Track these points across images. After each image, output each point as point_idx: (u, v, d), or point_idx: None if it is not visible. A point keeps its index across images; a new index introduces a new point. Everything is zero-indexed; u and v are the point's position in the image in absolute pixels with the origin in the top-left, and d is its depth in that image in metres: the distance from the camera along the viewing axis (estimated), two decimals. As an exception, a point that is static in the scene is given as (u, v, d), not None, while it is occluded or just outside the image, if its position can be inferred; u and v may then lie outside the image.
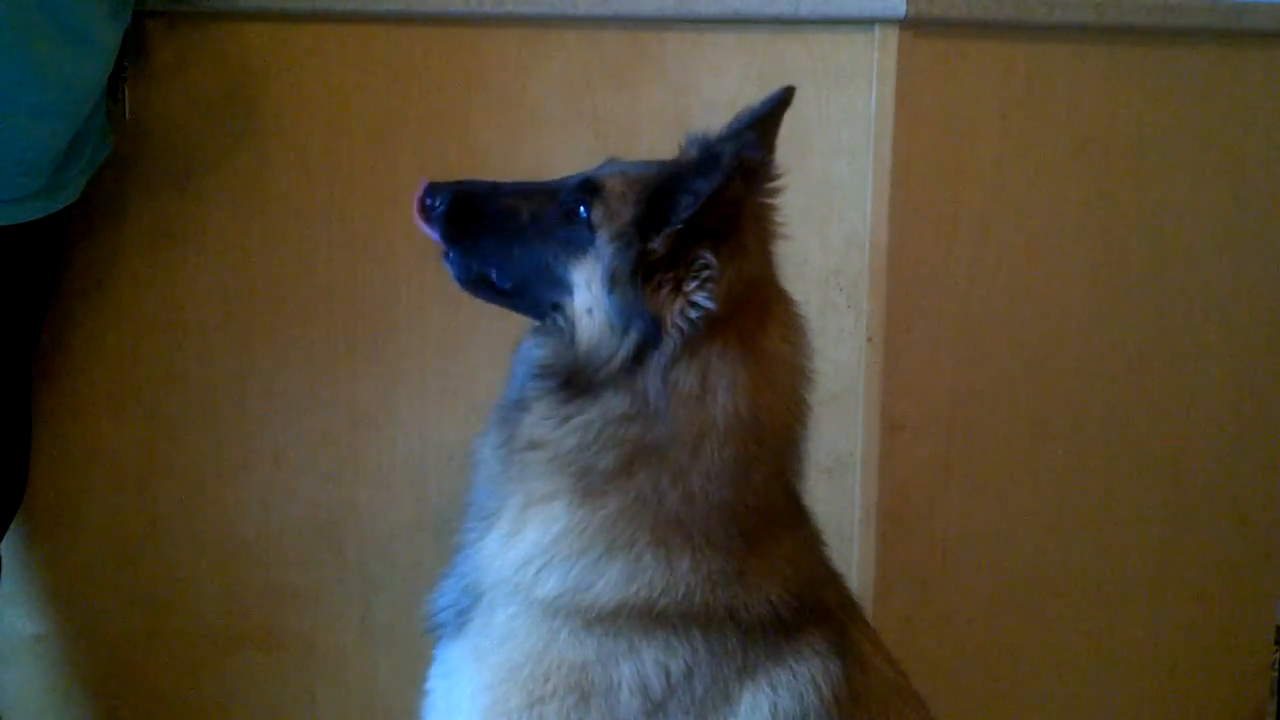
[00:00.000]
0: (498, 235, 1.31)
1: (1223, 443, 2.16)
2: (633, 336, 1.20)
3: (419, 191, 1.32)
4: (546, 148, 1.83)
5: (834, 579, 1.36)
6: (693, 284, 1.19)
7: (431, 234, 1.33)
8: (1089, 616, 2.13)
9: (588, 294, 1.24)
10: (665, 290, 1.20)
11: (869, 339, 1.84)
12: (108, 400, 1.95)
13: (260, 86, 1.84)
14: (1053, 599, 2.09)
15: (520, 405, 1.29)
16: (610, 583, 1.20)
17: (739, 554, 1.22)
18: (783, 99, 1.37)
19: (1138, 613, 2.17)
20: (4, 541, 1.91)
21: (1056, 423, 2.03)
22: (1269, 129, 2.06)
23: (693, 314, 1.19)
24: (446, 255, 1.34)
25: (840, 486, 1.87)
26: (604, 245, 1.24)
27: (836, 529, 1.87)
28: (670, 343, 1.19)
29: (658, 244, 1.19)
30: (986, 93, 1.87)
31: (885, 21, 1.75)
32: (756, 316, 1.24)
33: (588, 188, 1.27)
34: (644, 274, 1.20)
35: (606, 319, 1.22)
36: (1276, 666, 2.41)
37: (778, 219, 1.31)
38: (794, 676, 1.23)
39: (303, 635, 2.02)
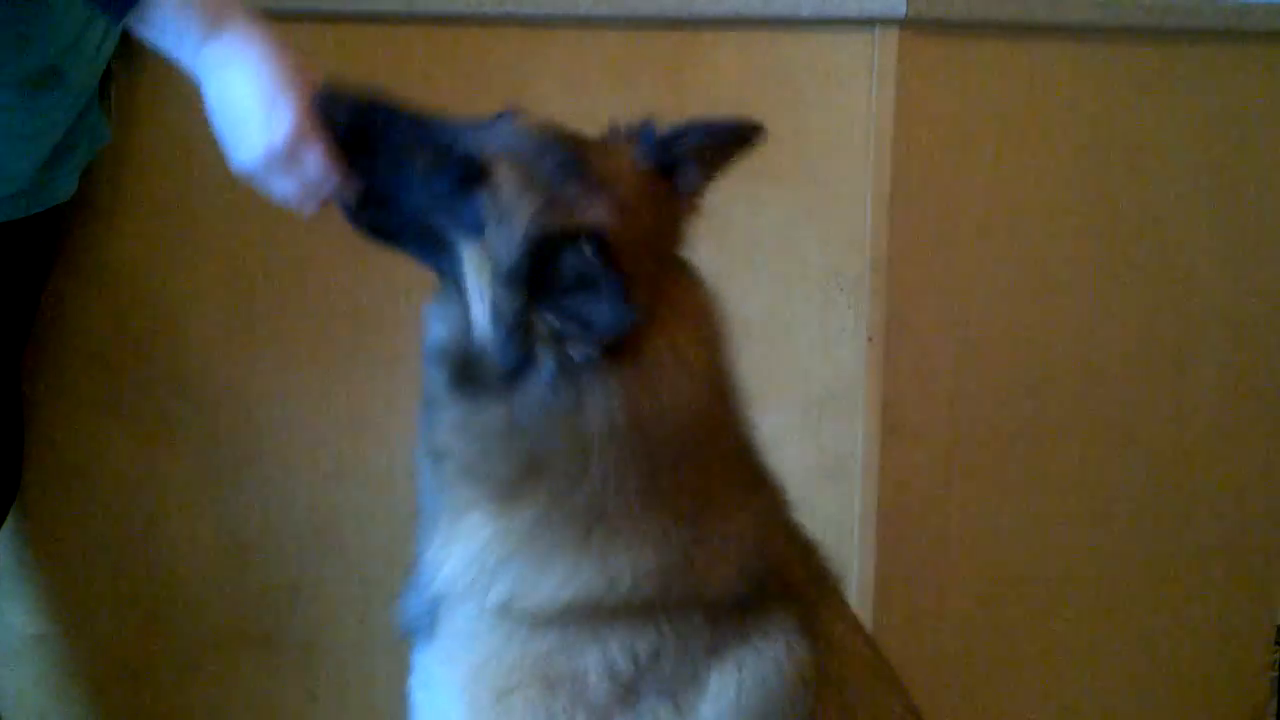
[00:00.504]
0: (388, 171, 1.25)
1: (1223, 443, 2.16)
2: (509, 353, 1.16)
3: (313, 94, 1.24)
4: (546, 148, 1.83)
5: (802, 553, 1.31)
6: (572, 342, 1.13)
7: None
8: (1089, 616, 2.13)
9: (479, 279, 1.19)
10: (544, 334, 1.14)
11: (869, 339, 1.84)
12: (108, 400, 1.95)
13: (260, 86, 1.84)
14: (1052, 599, 2.09)
15: (431, 404, 1.26)
16: (552, 586, 1.18)
17: (678, 540, 1.18)
18: (746, 136, 1.30)
19: (1137, 612, 2.17)
20: (4, 542, 1.92)
21: (1056, 423, 2.03)
22: (1269, 129, 2.06)
23: (568, 359, 1.14)
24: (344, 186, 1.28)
25: (840, 487, 1.87)
26: (491, 243, 1.17)
27: (836, 529, 1.87)
28: (543, 373, 1.15)
29: (539, 319, 1.14)
30: (986, 93, 1.87)
31: (885, 21, 1.75)
32: (635, 333, 1.16)
33: (475, 169, 1.19)
34: (524, 322, 1.15)
35: (490, 314, 1.17)
36: (1276, 666, 2.41)
37: (690, 221, 1.26)
38: (758, 656, 1.20)
39: (303, 635, 2.01)
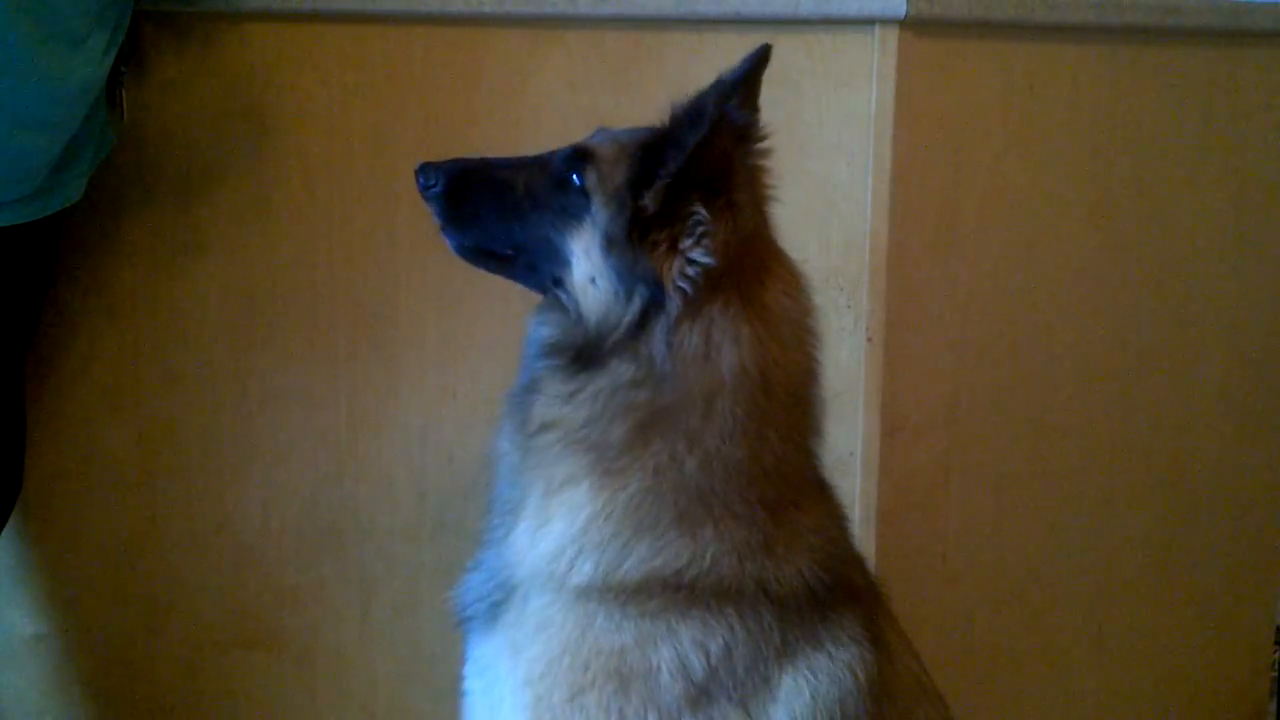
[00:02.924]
0: (494, 209, 1.31)
1: (1223, 443, 2.16)
2: (636, 301, 1.20)
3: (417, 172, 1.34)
4: (546, 148, 1.82)
5: (859, 560, 1.34)
6: (688, 240, 1.18)
7: (432, 213, 1.34)
8: (1089, 616, 2.13)
9: (587, 263, 1.24)
10: (662, 249, 1.19)
11: (869, 339, 1.84)
12: (108, 400, 1.94)
13: (260, 87, 1.84)
14: (1053, 599, 2.09)
15: (530, 388, 1.28)
16: (638, 559, 1.19)
17: (761, 523, 1.21)
18: (761, 56, 1.35)
19: (1137, 613, 2.17)
20: (4, 542, 1.91)
21: (1056, 423, 2.03)
22: (1269, 129, 2.06)
23: (691, 271, 1.18)
24: (445, 235, 1.34)
25: (840, 486, 1.86)
26: (599, 210, 1.23)
27: (836, 529, 1.87)
28: (673, 304, 1.19)
29: (648, 200, 1.19)
30: (986, 93, 1.87)
31: (885, 21, 1.75)
32: (756, 273, 1.23)
33: (580, 154, 1.27)
34: (639, 233, 1.20)
35: (609, 285, 1.22)
36: (1276, 666, 2.41)
37: (769, 180, 1.30)
38: (831, 661, 1.21)
39: (303, 635, 2.02)
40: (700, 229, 1.18)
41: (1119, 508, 2.10)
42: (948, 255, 1.90)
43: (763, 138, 1.29)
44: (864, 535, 1.88)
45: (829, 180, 1.81)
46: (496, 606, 1.28)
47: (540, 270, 1.30)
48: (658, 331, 1.19)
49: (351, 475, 1.96)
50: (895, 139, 1.79)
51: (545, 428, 1.25)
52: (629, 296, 1.20)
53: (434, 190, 1.32)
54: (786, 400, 1.23)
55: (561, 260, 1.26)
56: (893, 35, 1.76)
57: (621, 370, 1.20)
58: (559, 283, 1.27)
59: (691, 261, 1.18)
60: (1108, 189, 1.98)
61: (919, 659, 1.36)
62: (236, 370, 1.94)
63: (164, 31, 1.83)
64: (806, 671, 1.20)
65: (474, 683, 1.33)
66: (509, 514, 1.29)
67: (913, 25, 1.76)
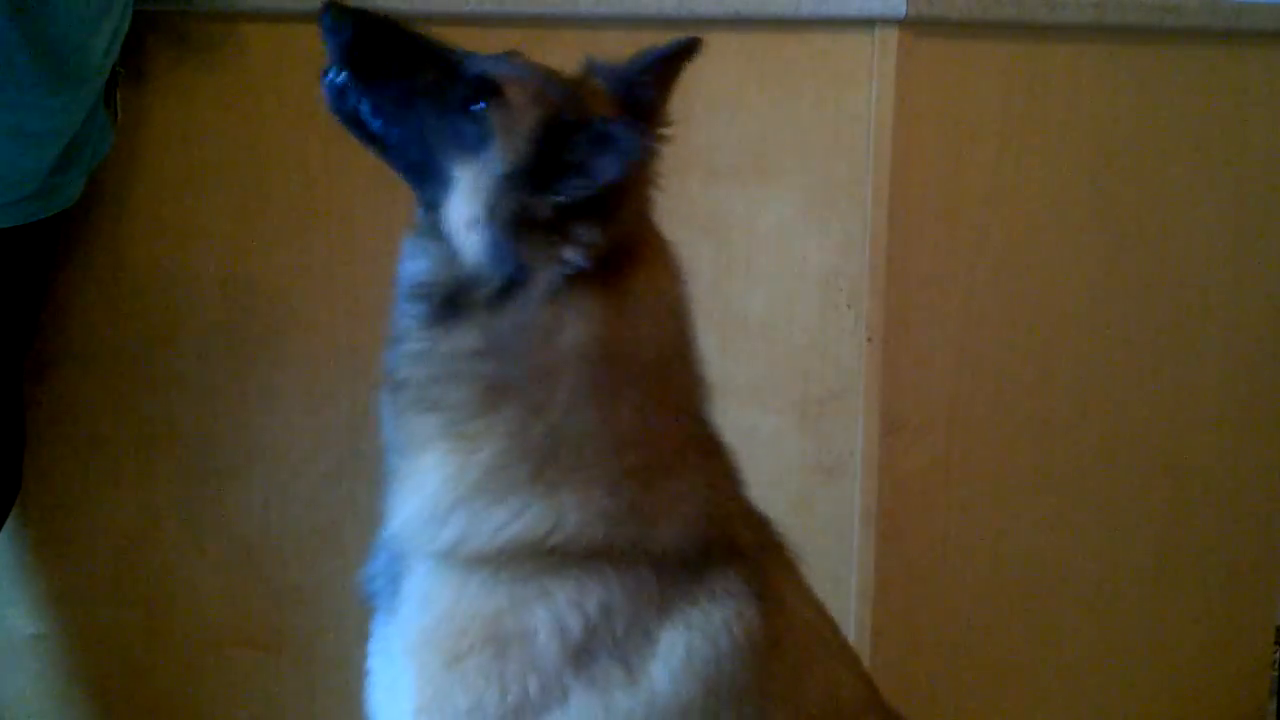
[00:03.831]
0: (394, 85, 1.24)
1: (1223, 443, 2.16)
2: (501, 274, 1.17)
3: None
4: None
5: (753, 520, 1.31)
6: (569, 248, 1.16)
7: (328, 49, 1.24)
8: (1089, 616, 2.13)
9: (472, 203, 1.19)
10: (539, 241, 1.16)
11: (869, 339, 1.84)
12: (108, 400, 1.95)
13: (260, 87, 1.84)
14: (1053, 599, 2.09)
15: (396, 340, 1.24)
16: (498, 524, 1.17)
17: (627, 490, 1.18)
18: (686, 49, 1.34)
19: (1138, 612, 2.17)
20: (3, 542, 1.92)
21: (1056, 423, 2.03)
22: (1269, 129, 2.06)
23: (564, 269, 1.16)
24: (328, 75, 1.25)
25: (840, 486, 1.87)
26: (494, 158, 1.19)
27: (837, 529, 1.87)
28: (535, 290, 1.16)
29: (540, 208, 1.16)
30: (986, 93, 1.87)
31: (885, 21, 1.75)
32: (622, 259, 1.20)
33: (488, 86, 1.21)
34: (524, 225, 1.17)
35: (484, 243, 1.18)
36: (1276, 666, 2.41)
37: (657, 166, 1.28)
38: (706, 617, 1.19)
39: (303, 635, 2.02)
40: (585, 242, 1.16)
41: (1119, 508, 2.10)
42: (948, 255, 1.89)
43: (664, 130, 1.29)
44: (864, 535, 1.88)
45: (829, 180, 1.81)
46: (394, 582, 1.26)
47: (420, 180, 1.25)
48: (514, 308, 1.17)
49: (351, 475, 1.96)
50: (895, 139, 1.78)
51: (400, 386, 1.23)
52: (497, 267, 1.17)
53: (341, 37, 1.23)
54: (642, 374, 1.20)
55: (443, 184, 1.22)
56: (893, 35, 1.75)
57: (467, 338, 1.18)
58: (435, 207, 1.22)
59: (565, 262, 1.16)
60: (1108, 189, 1.98)
61: (823, 613, 1.33)
62: (236, 370, 1.94)
63: (163, 32, 1.83)
64: (683, 628, 1.18)
65: (374, 661, 1.32)
66: (390, 480, 1.27)
67: (913, 25, 1.75)
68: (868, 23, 1.76)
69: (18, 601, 2.00)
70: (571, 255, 1.16)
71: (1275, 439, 2.20)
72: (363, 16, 1.24)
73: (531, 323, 1.16)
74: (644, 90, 1.30)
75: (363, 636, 2.01)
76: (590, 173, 1.14)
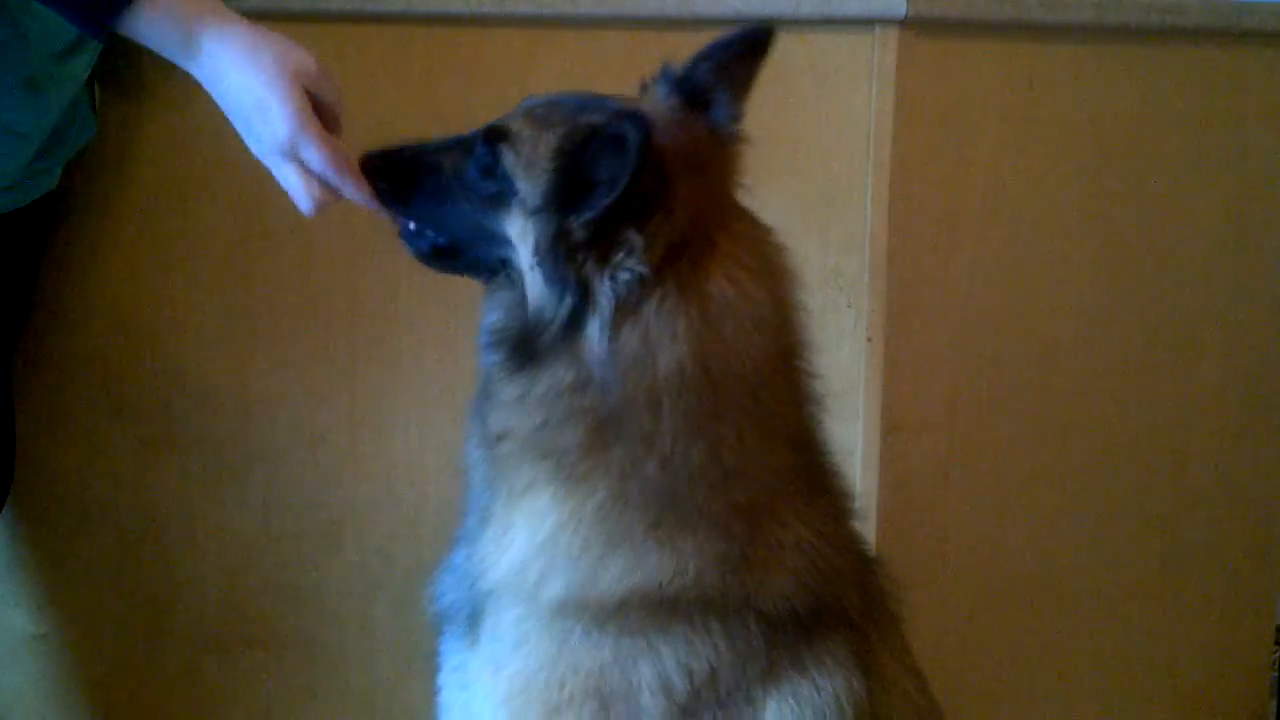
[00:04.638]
0: (428, 195, 1.27)
1: (1223, 443, 2.16)
2: (566, 303, 1.14)
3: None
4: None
5: (859, 572, 1.26)
6: (619, 256, 1.12)
7: (371, 204, 1.32)
8: (1089, 616, 2.13)
9: (524, 246, 1.18)
10: (591, 262, 1.13)
11: (869, 339, 1.84)
12: (108, 400, 1.94)
13: (260, 86, 1.84)
14: (1053, 599, 2.09)
15: (485, 393, 1.23)
16: (615, 574, 1.14)
17: (738, 534, 1.14)
18: (752, 38, 1.28)
19: (1138, 613, 2.17)
20: (3, 542, 1.91)
21: (1057, 422, 2.03)
22: (1269, 129, 2.06)
23: (623, 279, 1.12)
24: (401, 230, 1.31)
25: (840, 486, 1.87)
26: (524, 197, 1.18)
27: (836, 529, 1.87)
28: (603, 309, 1.12)
29: (576, 229, 1.13)
30: (986, 93, 1.87)
31: (885, 21, 1.75)
32: (694, 261, 1.15)
33: (493, 135, 1.21)
34: (566, 250, 1.14)
35: (541, 276, 1.16)
36: (1276, 666, 2.41)
37: (739, 158, 1.26)
38: (816, 690, 1.15)
39: (303, 635, 2.01)
40: (632, 247, 1.12)
41: (1119, 507, 2.10)
42: (948, 255, 1.89)
43: (737, 125, 1.26)
44: (864, 535, 1.88)
45: (829, 180, 1.81)
46: (475, 616, 1.24)
47: (487, 256, 1.24)
48: (593, 333, 1.13)
49: (351, 475, 1.96)
50: (895, 139, 1.78)
51: (501, 437, 1.20)
52: (560, 297, 1.14)
53: (383, 191, 1.29)
54: (739, 393, 1.15)
55: (501, 241, 1.21)
56: (893, 35, 1.75)
57: (561, 373, 1.14)
58: (506, 263, 1.21)
59: (624, 271, 1.12)
60: (1108, 189, 1.98)
61: (920, 683, 1.30)
62: (236, 370, 1.94)
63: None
64: (791, 699, 1.15)
65: (453, 695, 1.29)
66: (481, 519, 1.24)
67: (913, 25, 1.75)
68: (868, 23, 1.76)
69: (18, 601, 2.00)
70: (622, 265, 1.12)
71: (1275, 439, 2.20)
72: (382, 154, 1.29)
73: (622, 347, 1.12)
74: (715, 94, 1.26)
75: (362, 636, 2.02)
76: (605, 179, 1.10)
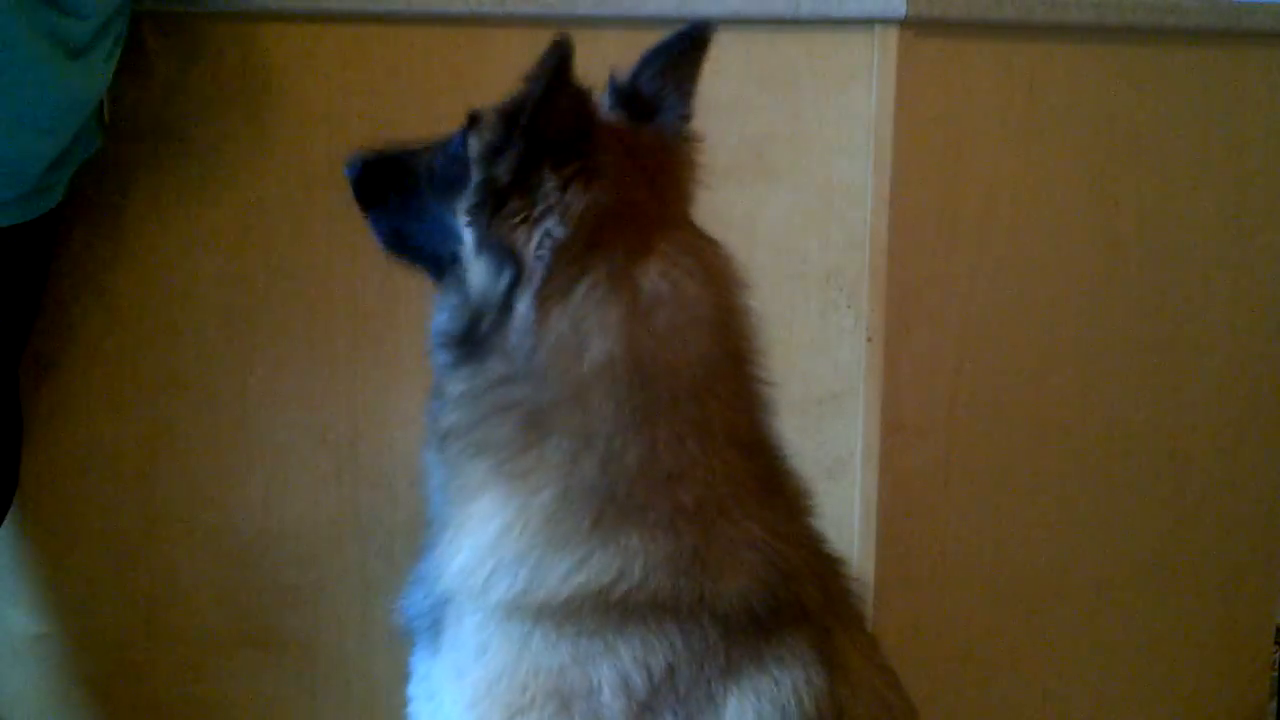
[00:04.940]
0: (401, 191, 1.28)
1: (1223, 443, 2.16)
2: (504, 278, 1.13)
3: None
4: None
5: (818, 569, 1.25)
6: (540, 208, 1.11)
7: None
8: (1089, 617, 2.13)
9: (469, 234, 1.18)
10: (517, 220, 1.12)
11: (869, 339, 1.84)
12: (108, 400, 1.94)
13: (260, 87, 1.84)
14: (1053, 599, 2.09)
15: (437, 393, 1.23)
16: (561, 574, 1.13)
17: (689, 535, 1.14)
18: (690, 36, 1.29)
19: (1137, 613, 2.17)
20: (3, 541, 1.91)
21: (1056, 423, 2.03)
22: (1269, 129, 2.06)
23: (545, 242, 1.11)
24: (367, 219, 1.33)
25: (840, 487, 1.87)
26: (474, 177, 1.18)
27: (837, 529, 1.86)
28: (533, 283, 1.11)
29: (501, 170, 1.13)
30: (986, 93, 1.87)
31: (885, 21, 1.75)
32: (630, 251, 1.14)
33: (469, 119, 1.21)
34: (496, 204, 1.13)
35: (484, 258, 1.15)
36: (1276, 666, 2.42)
37: (691, 158, 1.27)
38: (776, 685, 1.15)
39: (303, 635, 2.01)
40: (551, 198, 1.11)
41: (1118, 508, 2.10)
42: (948, 255, 1.89)
43: (687, 119, 1.26)
44: (864, 535, 1.88)
45: (829, 180, 1.81)
46: (437, 624, 1.24)
47: (442, 253, 1.23)
48: (521, 316, 1.12)
49: (351, 475, 1.96)
50: (895, 139, 1.78)
51: (448, 436, 1.20)
52: (497, 271, 1.14)
53: (352, 178, 1.30)
54: (676, 393, 1.13)
55: (455, 235, 1.20)
56: (893, 35, 1.75)
57: (493, 366, 1.14)
58: (455, 258, 1.21)
59: (545, 234, 1.11)
60: (1107, 189, 1.98)
61: (888, 676, 1.30)
62: (236, 370, 1.94)
63: (164, 31, 1.83)
64: (752, 694, 1.14)
65: (421, 705, 1.29)
66: (440, 525, 1.24)
67: (913, 25, 1.75)
68: (867, 23, 1.76)
69: (18, 601, 2.00)
70: (544, 219, 1.12)
71: (1275, 439, 2.20)
72: (369, 155, 1.31)
73: (550, 332, 1.12)
74: (662, 98, 1.27)
75: (362, 636, 2.02)
76: (524, 100, 1.11)
